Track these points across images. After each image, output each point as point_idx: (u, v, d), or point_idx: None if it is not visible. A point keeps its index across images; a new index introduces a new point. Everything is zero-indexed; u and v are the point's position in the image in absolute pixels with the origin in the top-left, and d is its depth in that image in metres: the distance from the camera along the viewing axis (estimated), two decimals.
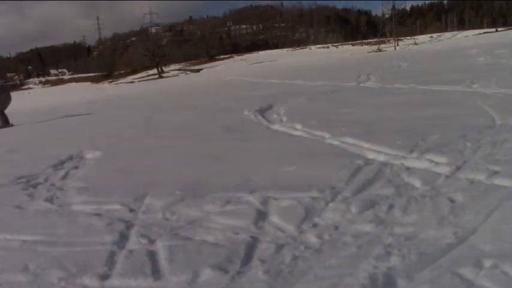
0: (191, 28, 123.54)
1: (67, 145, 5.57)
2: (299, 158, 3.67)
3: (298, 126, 5.13)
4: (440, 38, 58.08)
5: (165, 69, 62.13)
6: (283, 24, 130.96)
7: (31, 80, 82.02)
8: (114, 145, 5.48)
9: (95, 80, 66.06)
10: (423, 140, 3.67)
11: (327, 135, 4.40)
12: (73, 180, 3.79)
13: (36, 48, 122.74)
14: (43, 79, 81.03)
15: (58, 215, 2.87)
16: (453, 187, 2.59)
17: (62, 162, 4.52)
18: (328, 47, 65.98)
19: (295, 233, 2.22)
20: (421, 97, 6.72)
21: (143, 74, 62.41)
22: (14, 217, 2.92)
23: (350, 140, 4.02)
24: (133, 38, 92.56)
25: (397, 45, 52.34)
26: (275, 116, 6.42)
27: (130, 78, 61.18)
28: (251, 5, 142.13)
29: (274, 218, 2.42)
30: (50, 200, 3.23)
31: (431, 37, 61.19)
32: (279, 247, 2.07)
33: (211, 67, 58.77)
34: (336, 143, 4.10)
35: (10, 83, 58.10)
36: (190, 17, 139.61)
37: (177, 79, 44.43)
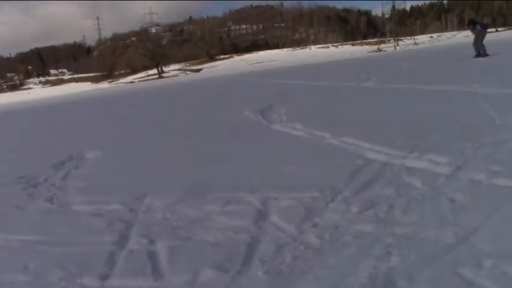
0: (191, 28, 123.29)
1: (67, 145, 5.58)
2: (299, 158, 3.67)
3: (299, 126, 5.13)
4: (440, 38, 58.17)
5: (165, 69, 62.25)
6: (283, 25, 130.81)
7: (31, 80, 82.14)
8: (114, 145, 5.49)
9: (95, 80, 66.23)
10: (423, 140, 3.66)
11: (327, 135, 4.39)
12: (73, 180, 3.79)
13: (36, 48, 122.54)
14: (43, 79, 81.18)
15: (58, 215, 2.88)
16: (453, 187, 2.58)
17: (62, 162, 4.53)
18: (328, 47, 66.11)
19: (296, 233, 2.21)
20: (421, 97, 6.71)
21: (143, 74, 62.56)
22: (14, 217, 2.93)
23: (350, 140, 4.02)
24: (134, 38, 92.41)
25: (397, 45, 52.38)
26: (275, 115, 6.41)
27: (130, 78, 61.34)
28: (251, 5, 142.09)
29: (274, 218, 2.42)
30: (50, 200, 3.23)
31: (431, 37, 61.37)
32: (279, 247, 2.06)
33: (211, 67, 58.85)
34: (336, 143, 4.10)
35: (10, 83, 58.12)
36: (190, 17, 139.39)
37: (177, 79, 44.42)
